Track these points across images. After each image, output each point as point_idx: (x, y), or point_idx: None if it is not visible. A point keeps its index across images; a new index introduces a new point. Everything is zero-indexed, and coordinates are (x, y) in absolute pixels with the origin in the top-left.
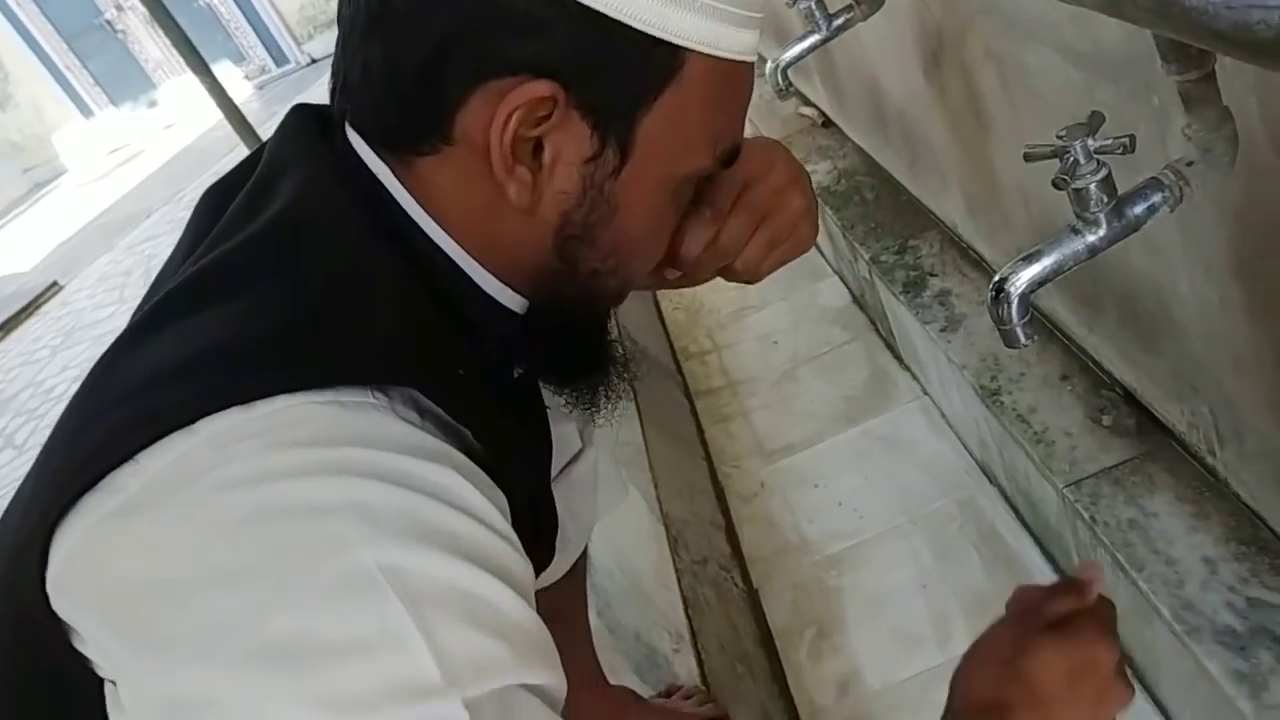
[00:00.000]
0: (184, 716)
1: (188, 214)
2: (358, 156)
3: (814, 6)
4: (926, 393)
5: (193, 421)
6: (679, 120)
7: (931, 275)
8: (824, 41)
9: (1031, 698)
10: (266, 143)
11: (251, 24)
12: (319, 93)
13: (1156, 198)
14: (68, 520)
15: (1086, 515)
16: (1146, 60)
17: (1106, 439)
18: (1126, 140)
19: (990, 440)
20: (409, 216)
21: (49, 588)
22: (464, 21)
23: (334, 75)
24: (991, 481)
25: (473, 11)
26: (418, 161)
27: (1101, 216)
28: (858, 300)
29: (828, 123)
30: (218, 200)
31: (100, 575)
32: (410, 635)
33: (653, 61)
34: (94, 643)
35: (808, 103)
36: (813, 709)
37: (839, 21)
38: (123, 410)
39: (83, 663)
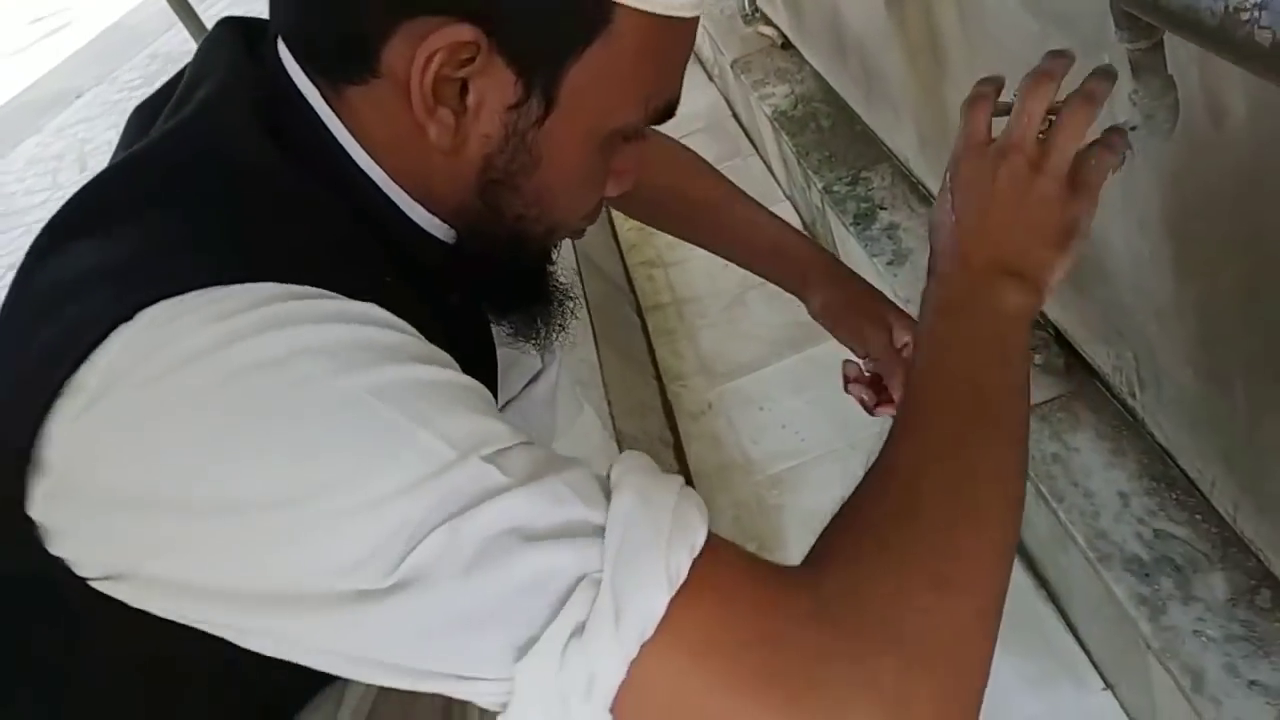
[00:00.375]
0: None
1: (121, 96)
2: (287, 75)
3: None
4: None
5: (130, 316)
6: (608, 74)
7: (881, 208)
8: None
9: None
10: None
11: None
12: None
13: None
14: (41, 434)
15: None
16: (1099, 19)
17: (1037, 376)
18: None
19: None
20: (336, 140)
21: (35, 499)
22: None
23: None
24: None
25: None
26: (347, 89)
27: None
28: (808, 227)
29: (787, 44)
30: (144, 117)
31: (94, 474)
32: (410, 431)
33: (579, 12)
34: (94, 541)
35: (768, 22)
36: None
37: None
38: (62, 318)
39: (61, 565)
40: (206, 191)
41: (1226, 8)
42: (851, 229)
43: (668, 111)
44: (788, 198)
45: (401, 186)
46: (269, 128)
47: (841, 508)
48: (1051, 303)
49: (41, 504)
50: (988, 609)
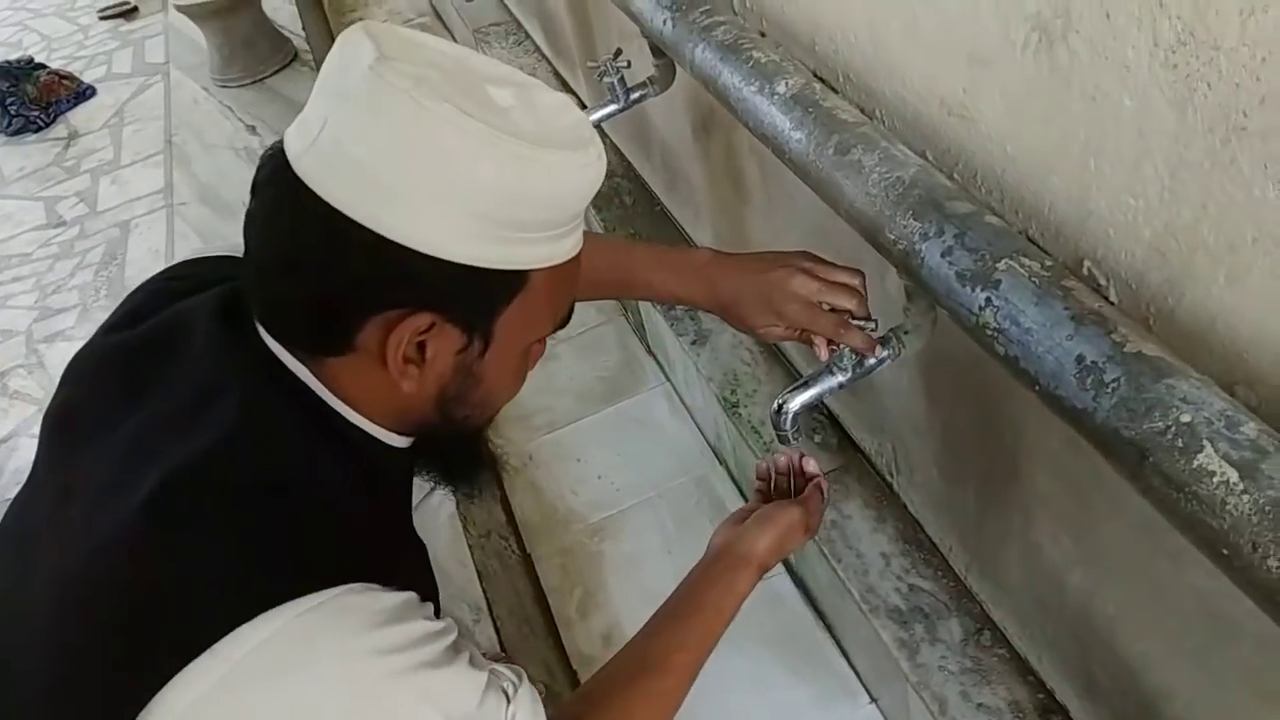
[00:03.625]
0: None
1: None
2: (276, 358)
3: (616, 83)
4: (669, 379)
5: (255, 615)
6: (529, 311)
7: None
8: (622, 110)
9: (738, 535)
10: (188, 314)
11: None
12: None
13: (886, 353)
14: (151, 707)
15: None
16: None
17: (816, 451)
18: (874, 323)
19: (725, 436)
20: (323, 400)
21: None
22: (358, 276)
23: (245, 281)
24: (721, 462)
25: (365, 269)
26: (327, 361)
27: (849, 366)
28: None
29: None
30: (131, 359)
31: None
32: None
33: (505, 285)
34: None
35: (573, 94)
36: (581, 659)
37: (635, 95)
38: (185, 610)
39: None
40: (275, 512)
41: (977, 322)
42: (657, 308)
43: (569, 317)
44: None
45: (375, 422)
46: (294, 422)
47: (614, 661)
48: (831, 399)
49: None
50: None
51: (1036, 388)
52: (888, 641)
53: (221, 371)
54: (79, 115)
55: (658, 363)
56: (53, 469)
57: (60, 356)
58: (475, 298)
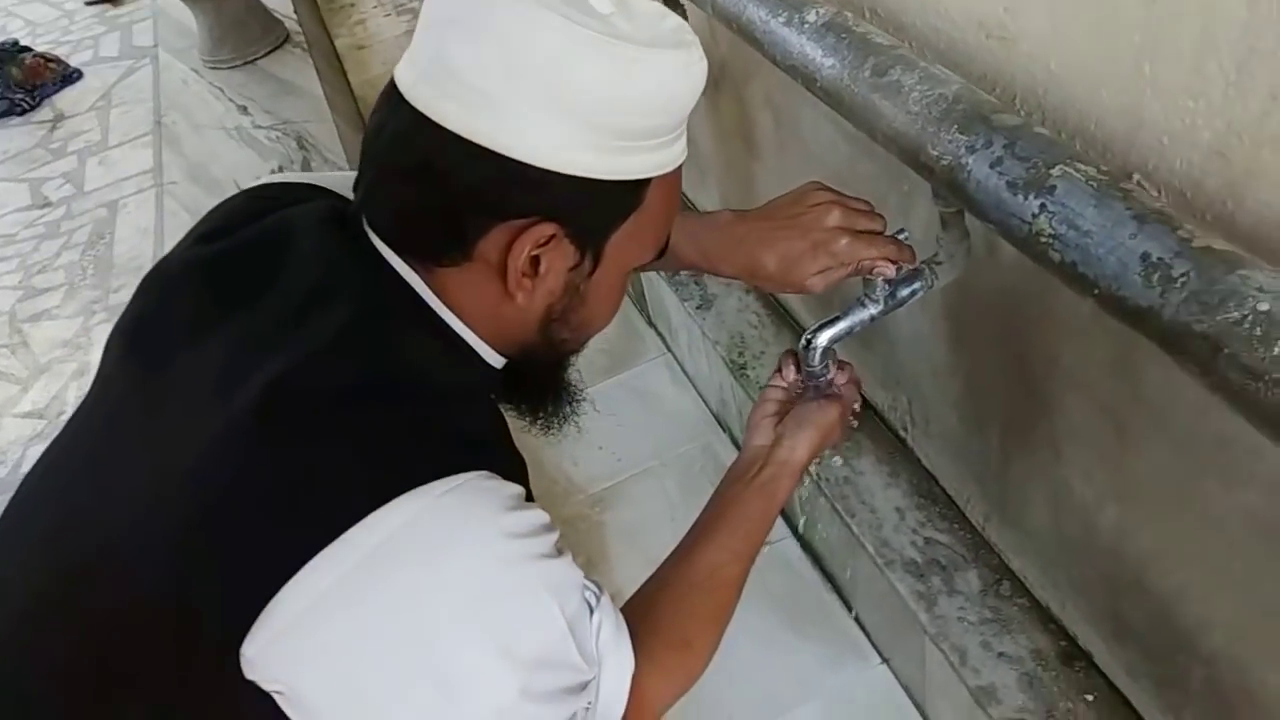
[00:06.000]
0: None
1: None
2: (389, 265)
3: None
4: (670, 350)
5: (391, 499)
6: (639, 232)
7: None
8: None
9: (778, 437)
10: (294, 219)
11: None
12: None
13: (918, 284)
14: (283, 594)
15: (813, 470)
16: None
17: None
18: (905, 233)
19: (731, 401)
20: (435, 311)
21: (251, 651)
22: (485, 180)
23: (359, 187)
24: (724, 430)
25: (493, 174)
26: (439, 270)
27: (881, 297)
28: None
29: None
30: (226, 270)
31: (332, 624)
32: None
33: (624, 200)
34: (304, 703)
35: None
36: None
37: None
38: (314, 498)
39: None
40: (398, 404)
41: (1030, 230)
42: (661, 275)
43: (667, 244)
44: None
45: (478, 334)
46: (409, 325)
47: (659, 579)
48: (841, 352)
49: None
50: (711, 650)
51: (1096, 292)
52: (904, 594)
53: (333, 274)
54: (65, 98)
55: (658, 333)
56: (131, 383)
57: (45, 335)
58: (595, 211)
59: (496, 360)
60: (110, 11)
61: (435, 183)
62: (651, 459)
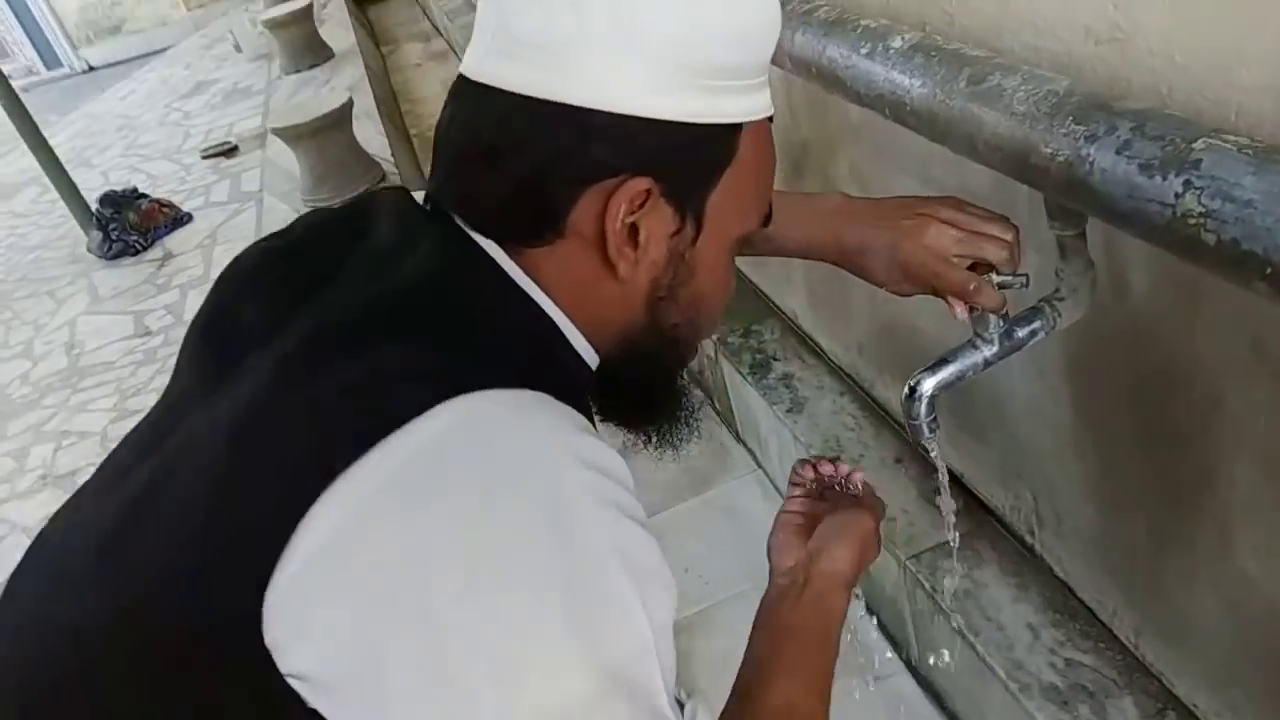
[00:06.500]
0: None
1: None
2: (477, 246)
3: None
4: (761, 466)
5: (449, 398)
6: (737, 190)
7: (775, 359)
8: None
9: (815, 552)
10: (371, 205)
11: (20, 20)
12: (98, 107)
13: (1038, 324)
14: (313, 512)
15: (927, 584)
16: (1008, 203)
17: (938, 518)
18: (1024, 278)
19: None
20: (524, 290)
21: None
22: (566, 140)
23: (435, 176)
24: None
25: (574, 132)
26: (528, 251)
27: (996, 337)
28: (694, 377)
29: None
30: (327, 236)
31: (365, 543)
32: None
33: (719, 148)
34: (327, 646)
35: None
36: None
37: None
38: (366, 399)
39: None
40: (472, 318)
41: (1175, 214)
42: (748, 378)
43: (771, 214)
44: None
45: (574, 322)
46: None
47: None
48: (948, 448)
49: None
50: None
51: (1268, 271)
52: None
53: (414, 248)
54: (175, 239)
55: (747, 449)
56: (201, 373)
57: None
58: (687, 161)
59: (592, 359)
60: (224, 163)
61: (514, 154)
62: (743, 582)
